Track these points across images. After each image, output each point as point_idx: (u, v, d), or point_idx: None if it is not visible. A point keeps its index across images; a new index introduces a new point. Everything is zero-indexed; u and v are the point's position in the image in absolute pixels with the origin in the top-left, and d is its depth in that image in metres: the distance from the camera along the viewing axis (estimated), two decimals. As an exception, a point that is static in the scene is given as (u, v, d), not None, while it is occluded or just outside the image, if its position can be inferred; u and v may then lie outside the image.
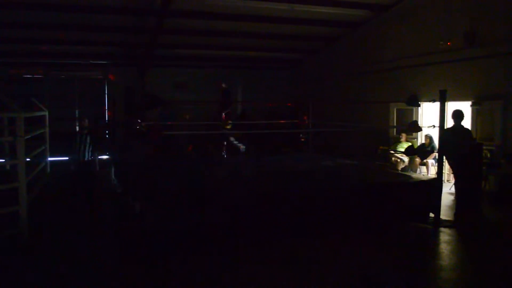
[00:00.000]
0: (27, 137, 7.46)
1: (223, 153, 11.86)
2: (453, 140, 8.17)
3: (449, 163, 8.96)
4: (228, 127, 10.68)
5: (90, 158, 8.31)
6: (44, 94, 15.43)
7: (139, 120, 9.96)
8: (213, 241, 6.36)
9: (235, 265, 5.80)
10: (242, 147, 10.80)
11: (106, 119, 16.40)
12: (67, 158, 8.63)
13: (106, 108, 16.55)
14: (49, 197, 9.20)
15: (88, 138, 8.30)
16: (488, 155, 10.03)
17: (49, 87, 15.88)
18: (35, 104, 10.84)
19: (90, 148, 8.29)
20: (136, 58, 15.74)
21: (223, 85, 11.29)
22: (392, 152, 12.39)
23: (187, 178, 8.11)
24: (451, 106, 11.16)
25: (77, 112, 16.23)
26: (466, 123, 10.82)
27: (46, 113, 10.58)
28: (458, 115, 8.45)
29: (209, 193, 7.00)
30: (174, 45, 15.15)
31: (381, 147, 12.89)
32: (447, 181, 10.86)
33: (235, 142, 10.66)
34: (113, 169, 9.57)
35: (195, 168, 9.42)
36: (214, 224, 6.48)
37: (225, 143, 12.17)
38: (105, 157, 11.83)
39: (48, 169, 10.49)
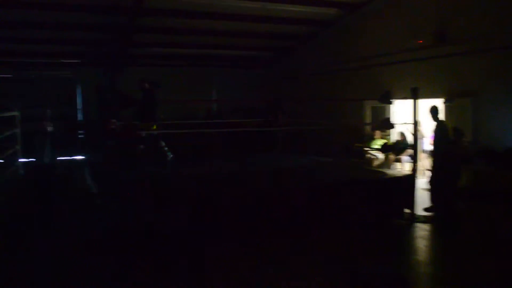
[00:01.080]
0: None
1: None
2: (439, 134, 8.38)
3: (433, 157, 9.14)
4: (154, 127, 10.12)
5: (49, 161, 7.99)
6: (14, 94, 15.07)
7: (113, 120, 9.81)
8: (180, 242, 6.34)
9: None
10: (170, 155, 10.09)
11: (78, 118, 16.14)
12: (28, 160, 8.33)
13: (78, 107, 16.27)
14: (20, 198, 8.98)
15: (48, 140, 8.03)
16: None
17: (18, 87, 15.51)
18: (5, 105, 10.60)
19: (49, 150, 7.99)
20: (108, 57, 15.52)
21: (146, 85, 10.67)
22: (367, 149, 12.53)
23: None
24: (423, 103, 11.39)
25: (49, 112, 15.87)
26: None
27: (17, 114, 10.35)
28: (436, 110, 8.68)
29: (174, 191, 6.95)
30: (147, 43, 15.01)
31: (356, 144, 13.01)
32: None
33: (165, 148, 9.98)
34: (87, 169, 9.45)
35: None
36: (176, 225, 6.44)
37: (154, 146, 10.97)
38: (79, 157, 11.65)
39: (20, 170, 10.26)
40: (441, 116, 10.59)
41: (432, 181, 8.79)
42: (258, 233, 6.70)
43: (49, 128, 8.21)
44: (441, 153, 8.50)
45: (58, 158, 8.20)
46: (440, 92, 10.69)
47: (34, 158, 7.97)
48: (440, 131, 8.56)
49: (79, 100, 16.35)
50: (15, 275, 5.44)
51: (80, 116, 16.22)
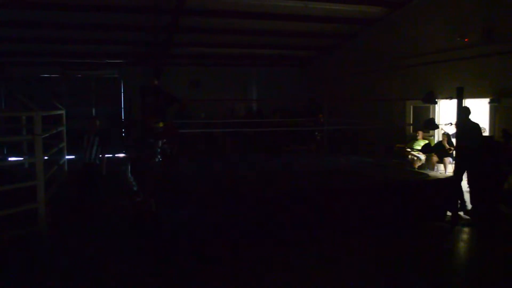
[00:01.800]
0: (45, 135, 7.55)
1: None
2: (463, 135, 8.17)
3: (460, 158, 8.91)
4: (160, 125, 10.05)
5: (96, 160, 8.10)
6: (61, 93, 15.64)
7: (154, 119, 9.98)
8: (232, 243, 6.37)
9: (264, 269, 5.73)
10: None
11: (123, 118, 16.54)
12: (74, 157, 8.45)
13: (123, 107, 16.68)
14: (66, 195, 9.27)
15: (97, 140, 8.10)
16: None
17: (66, 86, 16.07)
18: (53, 103, 10.95)
19: (98, 150, 8.11)
20: (151, 57, 15.83)
21: (155, 82, 10.61)
22: (408, 150, 12.29)
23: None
24: (469, 103, 11.08)
25: (94, 110, 16.41)
26: (484, 120, 10.75)
27: (63, 112, 10.68)
28: (465, 111, 8.55)
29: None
30: (189, 43, 15.21)
31: (397, 145, 12.78)
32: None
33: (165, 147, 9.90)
34: (129, 167, 9.63)
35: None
36: (235, 224, 6.51)
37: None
38: (122, 155, 11.89)
39: (66, 168, 10.60)
40: (485, 117, 10.34)
41: (470, 183, 8.55)
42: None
43: (98, 126, 8.36)
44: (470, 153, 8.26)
45: (105, 156, 8.32)
46: (486, 92, 10.36)
47: (81, 157, 8.14)
48: (472, 132, 8.32)
49: (123, 99, 16.73)
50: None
51: (124, 115, 16.61)
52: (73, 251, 6.24)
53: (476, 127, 8.50)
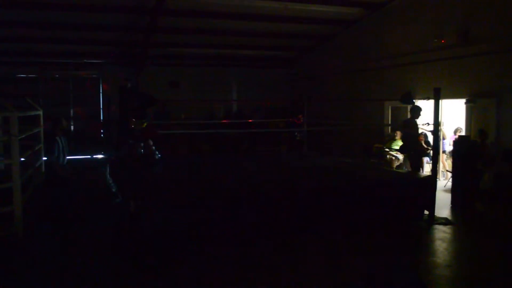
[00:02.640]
0: (22, 137, 7.42)
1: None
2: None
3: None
4: (144, 125, 10.00)
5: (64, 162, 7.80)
6: (38, 93, 15.41)
7: (134, 119, 9.92)
8: (213, 241, 6.38)
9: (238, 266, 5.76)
10: (158, 154, 9.97)
11: (101, 118, 16.37)
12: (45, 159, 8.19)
13: (101, 107, 16.51)
14: (43, 197, 9.15)
15: (63, 140, 7.80)
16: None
17: (43, 86, 15.85)
18: (29, 104, 10.78)
19: (66, 151, 7.83)
20: (130, 57, 15.70)
21: (128, 84, 10.52)
22: (387, 150, 12.42)
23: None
24: (446, 104, 11.26)
25: (72, 111, 16.20)
26: (461, 120, 10.94)
27: (41, 113, 10.52)
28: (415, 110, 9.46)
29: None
30: (169, 43, 15.13)
31: (376, 145, 12.91)
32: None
33: (153, 147, 9.85)
34: (108, 169, 9.55)
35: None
36: (215, 223, 6.50)
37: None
38: (100, 156, 11.78)
39: (43, 169, 10.44)
40: (462, 116, 10.51)
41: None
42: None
43: (65, 127, 8.07)
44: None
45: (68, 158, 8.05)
46: (462, 93, 10.52)
47: (52, 160, 7.85)
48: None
49: (101, 100, 16.56)
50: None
51: (102, 116, 16.44)
52: (46, 254, 6.20)
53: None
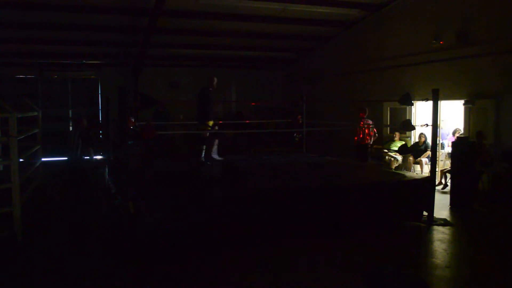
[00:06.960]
0: (20, 137, 7.43)
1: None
2: None
3: None
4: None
5: (82, 157, 8.41)
6: (37, 94, 15.40)
7: (133, 120, 9.93)
8: (213, 242, 6.38)
9: (237, 268, 5.75)
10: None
11: (100, 119, 16.34)
12: (65, 158, 8.66)
13: (100, 108, 16.50)
14: (42, 197, 9.16)
15: (80, 140, 8.37)
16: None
17: (42, 87, 15.84)
18: (28, 104, 10.78)
19: (83, 148, 8.38)
20: (129, 58, 15.69)
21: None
22: (385, 151, 12.43)
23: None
24: (444, 105, 11.28)
25: (70, 112, 16.18)
26: (459, 121, 10.95)
27: (39, 114, 10.52)
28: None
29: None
30: (168, 44, 15.13)
31: (375, 146, 12.92)
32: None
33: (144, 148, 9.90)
34: (107, 169, 9.53)
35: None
36: (214, 224, 6.49)
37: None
38: (99, 156, 11.76)
39: (41, 170, 10.44)
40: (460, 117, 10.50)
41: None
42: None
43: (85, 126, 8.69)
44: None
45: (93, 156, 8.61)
46: (461, 94, 10.55)
47: (68, 157, 8.27)
48: None
49: (101, 101, 16.55)
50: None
51: (101, 116, 16.42)
52: (44, 254, 6.24)
53: None
